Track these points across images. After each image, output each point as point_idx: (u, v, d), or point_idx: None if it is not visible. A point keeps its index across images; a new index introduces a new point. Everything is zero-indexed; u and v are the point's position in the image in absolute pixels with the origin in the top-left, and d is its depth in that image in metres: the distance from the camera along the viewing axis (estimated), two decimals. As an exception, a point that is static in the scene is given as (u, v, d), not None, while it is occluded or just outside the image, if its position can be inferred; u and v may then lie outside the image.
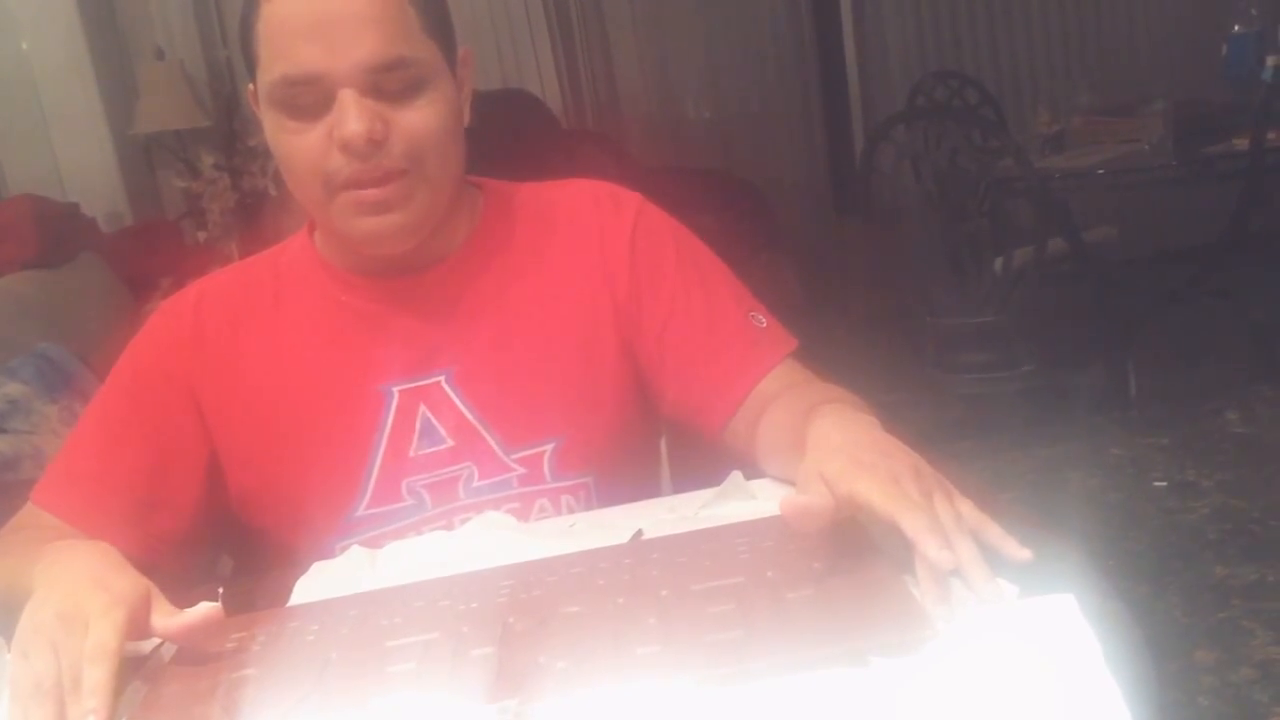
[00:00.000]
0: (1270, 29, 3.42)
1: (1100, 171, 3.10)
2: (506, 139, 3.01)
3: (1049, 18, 5.16)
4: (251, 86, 1.03)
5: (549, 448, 1.08)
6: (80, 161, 4.02)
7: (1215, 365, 3.13)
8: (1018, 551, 0.71)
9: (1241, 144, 2.90)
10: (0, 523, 1.07)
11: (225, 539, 1.16)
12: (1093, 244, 3.19)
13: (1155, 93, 3.26)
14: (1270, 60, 3.34)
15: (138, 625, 0.77)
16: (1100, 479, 1.03)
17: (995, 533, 0.73)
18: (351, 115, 0.95)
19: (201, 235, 3.99)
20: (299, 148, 0.98)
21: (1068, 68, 5.11)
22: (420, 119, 0.98)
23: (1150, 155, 3.05)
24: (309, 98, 0.96)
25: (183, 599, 0.82)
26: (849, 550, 0.76)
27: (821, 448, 0.82)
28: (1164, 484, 0.99)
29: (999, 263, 2.78)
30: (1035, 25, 5.16)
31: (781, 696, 0.63)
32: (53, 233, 3.48)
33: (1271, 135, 2.82)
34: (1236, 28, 3.43)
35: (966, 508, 0.75)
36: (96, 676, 0.72)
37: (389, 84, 0.97)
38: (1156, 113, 3.07)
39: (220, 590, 0.85)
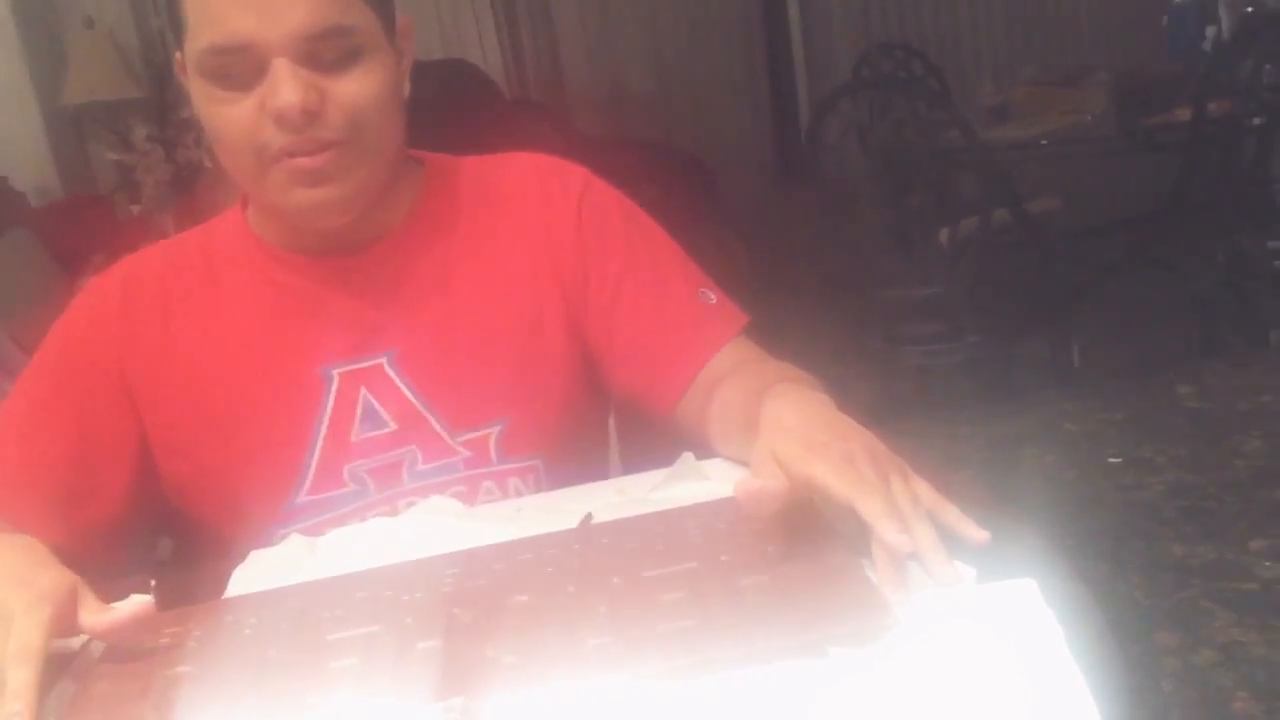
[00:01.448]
0: (1210, 1, 3.45)
1: (1044, 143, 3.12)
2: (447, 110, 2.95)
3: (993, -11, 5.18)
4: (179, 55, 0.98)
5: (495, 430, 1.05)
6: (8, 134, 3.91)
7: (1157, 336, 3.17)
8: (975, 533, 0.70)
9: (1183, 115, 2.93)
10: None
11: (163, 522, 1.12)
12: (1037, 215, 3.21)
13: (1097, 64, 3.28)
14: (1210, 31, 3.37)
15: (64, 622, 0.74)
16: (1055, 455, 1.02)
17: (953, 514, 0.72)
18: (285, 86, 0.91)
19: (135, 209, 3.90)
20: (230, 119, 0.94)
21: (1011, 40, 5.13)
22: (357, 89, 0.94)
23: (1093, 126, 3.07)
24: (240, 67, 0.92)
25: (115, 589, 0.78)
26: (804, 533, 0.75)
27: (775, 429, 0.80)
28: (1119, 460, 0.99)
29: (945, 234, 2.79)
30: (979, -4, 5.17)
31: (739, 689, 0.61)
32: (-21, 208, 3.39)
33: (1212, 106, 2.85)
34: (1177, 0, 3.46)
35: (923, 489, 0.73)
36: (21, 678, 0.68)
37: (324, 53, 0.93)
38: (1099, 84, 3.10)
39: (152, 582, 0.82)
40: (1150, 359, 2.86)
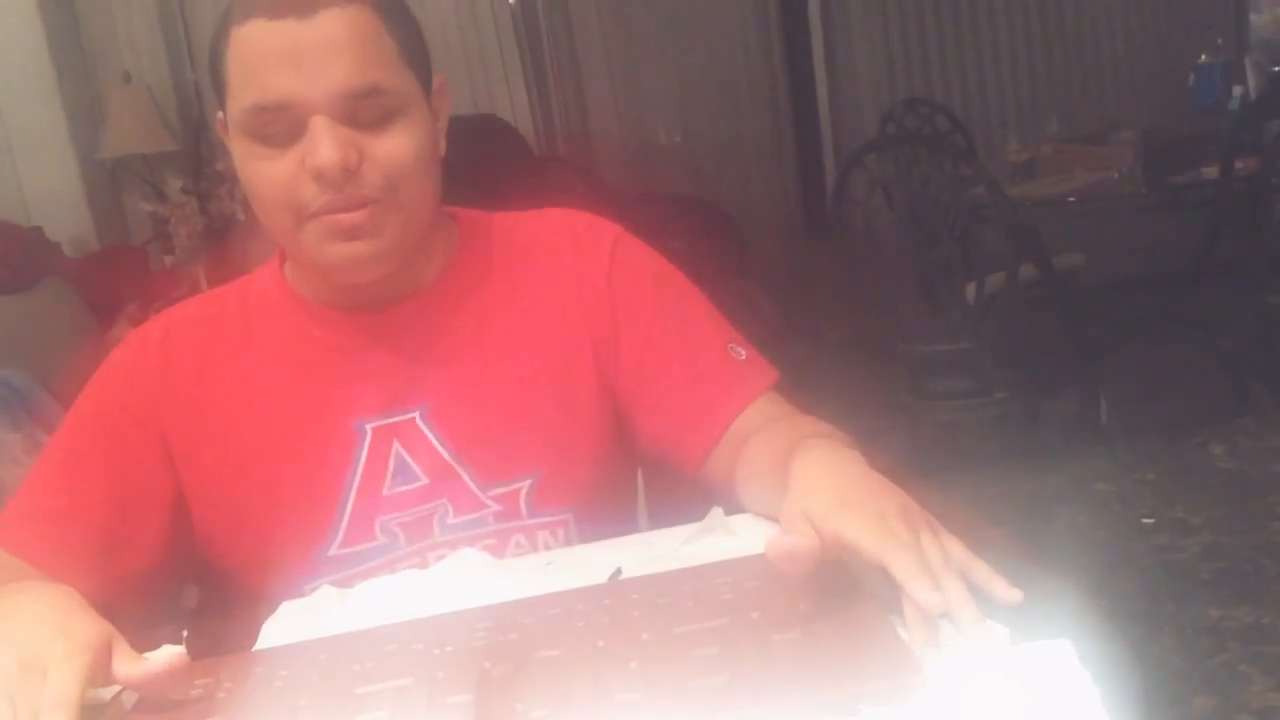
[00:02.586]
0: (1237, 59, 3.46)
1: (1070, 199, 3.12)
2: (477, 165, 2.99)
3: (1017, 46, 5.21)
4: (221, 114, 1.00)
5: (526, 484, 1.05)
6: (45, 185, 3.98)
7: (1185, 394, 3.15)
8: (1008, 592, 0.70)
9: (1210, 173, 2.93)
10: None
11: (191, 574, 1.12)
12: (1063, 271, 3.21)
13: (1124, 122, 3.29)
14: (1237, 90, 3.38)
15: (99, 672, 0.75)
16: (1087, 515, 1.01)
17: (985, 573, 0.71)
18: (325, 143, 0.93)
19: (168, 259, 3.95)
20: (270, 176, 0.96)
21: (1036, 96, 5.16)
22: (394, 148, 0.96)
23: (1120, 184, 3.07)
24: (280, 125, 0.94)
25: (146, 639, 0.79)
26: (835, 591, 0.75)
27: (805, 486, 0.80)
28: (1152, 521, 0.98)
29: (971, 289, 2.79)
30: (1004, 54, 5.21)
31: (770, 747, 0.61)
32: (16, 257, 3.44)
33: (1239, 165, 2.84)
34: (1203, 57, 3.48)
35: (955, 547, 0.73)
36: (55, 727, 0.69)
37: (363, 112, 0.95)
38: (1126, 142, 3.10)
39: (184, 633, 0.82)
40: (1179, 417, 2.84)
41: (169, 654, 0.76)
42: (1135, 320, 3.12)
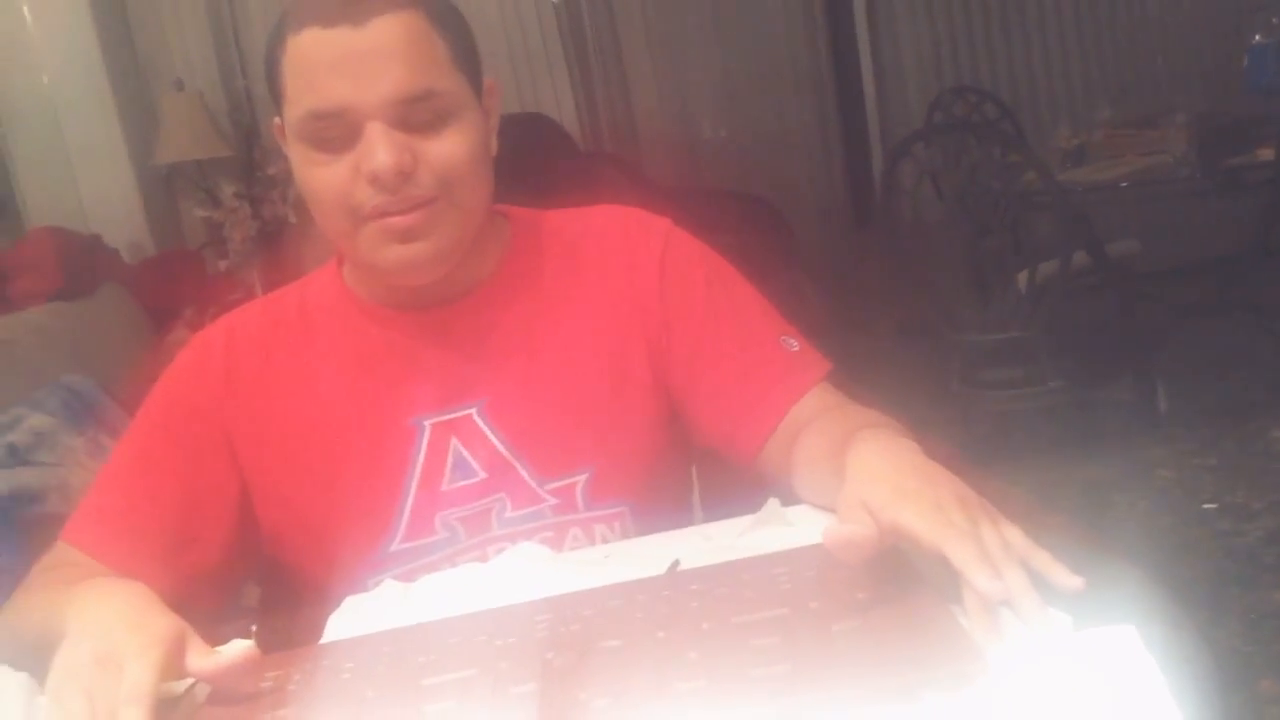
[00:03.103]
0: (1291, 39, 3.40)
1: (1123, 185, 3.08)
2: (525, 164, 3.00)
3: (1066, 31, 5.14)
4: (278, 120, 1.02)
5: (582, 478, 1.06)
6: (102, 193, 4.05)
7: (1244, 380, 3.10)
8: (1069, 579, 0.70)
9: (1266, 155, 2.88)
10: (28, 555, 1.06)
11: (254, 572, 1.15)
12: (1116, 257, 3.17)
13: (1176, 105, 3.24)
14: (1292, 70, 3.32)
15: (173, 666, 0.76)
16: (1148, 502, 1.01)
17: (1044, 560, 0.71)
18: (380, 148, 0.94)
19: (223, 264, 4.01)
20: (326, 180, 0.98)
21: (1086, 81, 5.08)
22: (448, 150, 0.98)
23: (1173, 168, 3.03)
24: (336, 131, 0.96)
25: (213, 635, 0.81)
26: (893, 580, 0.75)
27: (862, 475, 0.80)
28: (1214, 506, 0.97)
29: (1023, 278, 2.76)
30: (1052, 38, 5.14)
31: (833, 734, 0.61)
32: (75, 265, 3.50)
33: (1296, 145, 2.79)
34: (1257, 38, 3.42)
35: (1014, 535, 0.73)
36: (133, 718, 0.71)
37: (417, 116, 0.96)
38: (1178, 125, 3.05)
39: (253, 628, 0.84)
40: (1238, 403, 2.79)
41: (240, 647, 0.78)
42: (1192, 305, 3.08)
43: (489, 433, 1.06)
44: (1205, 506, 0.96)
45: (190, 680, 0.80)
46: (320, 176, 0.98)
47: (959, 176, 2.79)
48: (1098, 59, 5.14)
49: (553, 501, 1.06)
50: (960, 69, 5.09)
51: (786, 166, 5.09)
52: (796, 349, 1.11)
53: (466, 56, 1.01)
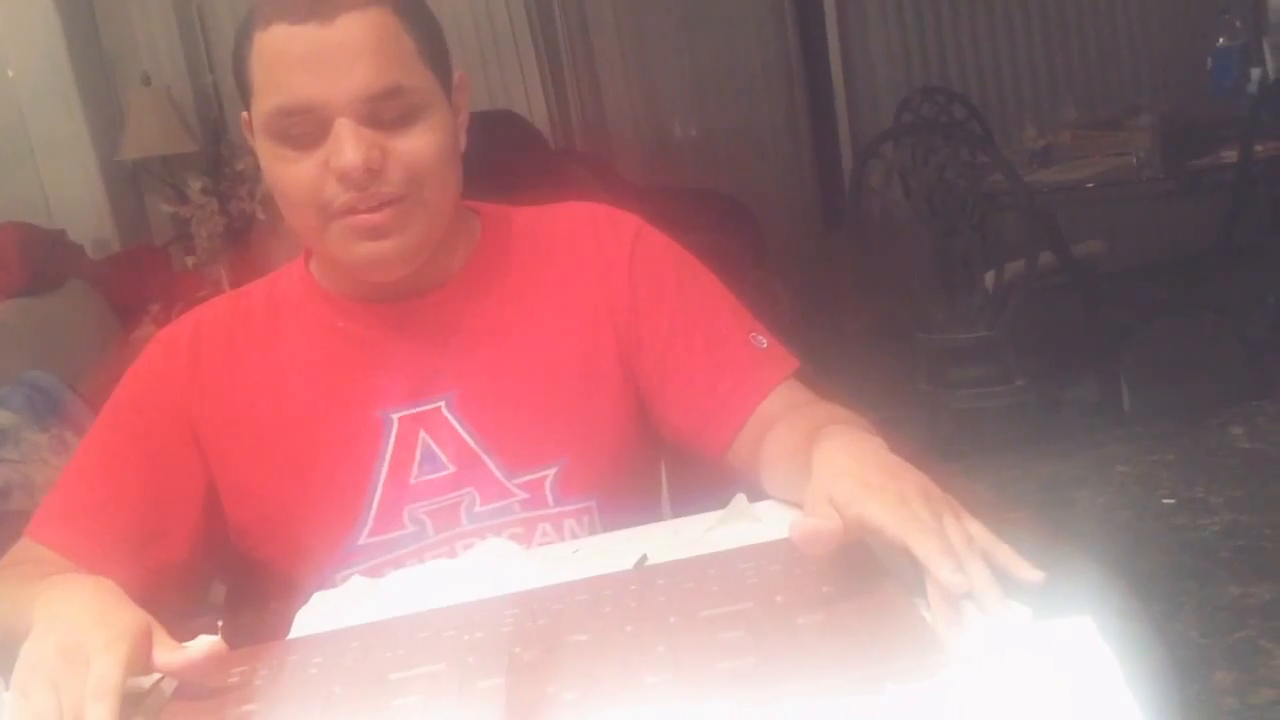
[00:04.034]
0: (1255, 42, 3.44)
1: (1089, 185, 3.11)
2: (495, 161, 3.00)
3: (1033, 33, 5.19)
4: (245, 115, 1.02)
5: (551, 472, 1.07)
6: (67, 188, 4.02)
7: (1207, 379, 3.13)
8: (1030, 573, 0.71)
9: (1229, 156, 2.91)
10: (-6, 553, 1.06)
11: (221, 568, 1.14)
12: (1082, 258, 3.20)
13: (1141, 107, 3.27)
14: (1255, 73, 3.36)
15: (139, 660, 0.76)
16: (1107, 497, 1.02)
17: (1006, 554, 0.72)
18: (348, 145, 0.94)
19: (190, 260, 3.98)
20: (295, 177, 0.97)
21: (1053, 82, 5.13)
22: (417, 146, 0.98)
23: (1138, 169, 3.06)
24: (304, 127, 0.96)
25: (180, 631, 0.81)
26: (858, 573, 0.76)
27: (829, 470, 0.81)
28: (1172, 501, 0.98)
29: (989, 277, 2.78)
30: (1020, 40, 5.18)
31: (797, 725, 0.62)
32: (40, 260, 3.47)
33: (1258, 148, 2.83)
34: (1221, 40, 3.46)
35: (977, 529, 0.74)
36: (99, 713, 0.70)
37: (385, 112, 0.96)
38: (1144, 127, 3.08)
39: (220, 623, 0.84)
40: (1201, 401, 2.82)
41: (207, 643, 0.78)
42: (1156, 305, 3.11)
43: (458, 426, 1.06)
44: (1164, 501, 0.98)
45: (157, 675, 0.80)
46: (288, 173, 0.98)
47: (927, 176, 2.81)
48: (1064, 61, 5.19)
49: (522, 496, 1.06)
50: (929, 69, 5.12)
51: (756, 166, 5.11)
52: (765, 346, 1.12)
53: (436, 53, 1.01)
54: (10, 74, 3.95)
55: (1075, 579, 0.71)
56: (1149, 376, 3.03)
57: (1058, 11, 5.17)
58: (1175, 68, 4.89)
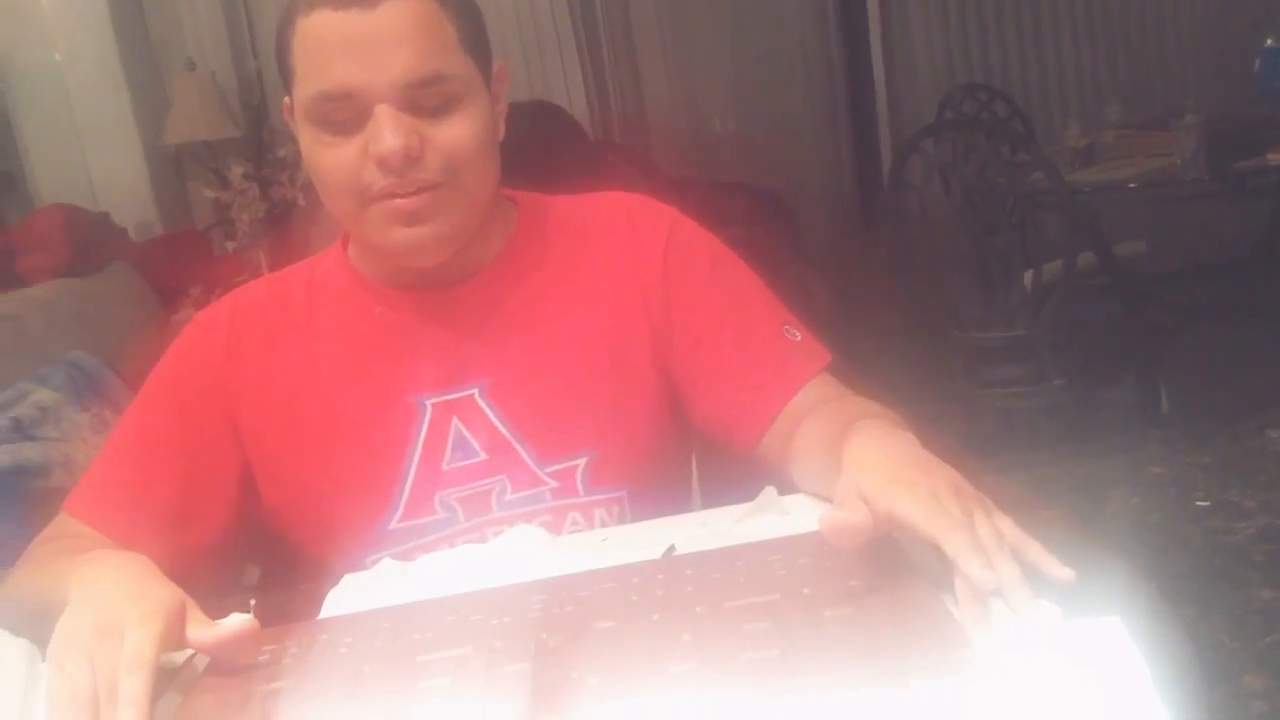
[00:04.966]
0: (1303, 43, 3.40)
1: (1131, 186, 3.08)
2: (534, 151, 3.01)
3: (1079, 31, 5.13)
4: (287, 100, 1.03)
5: (582, 462, 1.07)
6: (112, 171, 4.06)
7: (1249, 383, 3.10)
8: (1059, 571, 0.70)
9: (1275, 158, 2.88)
10: (31, 529, 1.07)
11: (254, 550, 1.16)
12: (1122, 258, 3.17)
13: (1187, 107, 3.23)
14: (1303, 74, 3.32)
15: (173, 636, 0.77)
16: (1141, 498, 1.01)
17: (1037, 551, 0.72)
18: (388, 131, 0.95)
19: (230, 245, 4.02)
20: (334, 162, 0.98)
21: (1097, 81, 5.08)
22: (456, 134, 0.98)
23: (1182, 170, 3.02)
24: (345, 113, 0.96)
25: (212, 610, 0.82)
26: (886, 568, 0.76)
27: (859, 464, 0.81)
28: (1206, 504, 0.97)
29: (1028, 276, 2.76)
30: (1065, 38, 5.13)
31: (820, 716, 0.62)
32: (84, 242, 3.51)
33: (1305, 150, 2.79)
34: (1269, 41, 3.41)
35: (1007, 526, 0.74)
36: (133, 687, 0.72)
37: (425, 99, 0.97)
38: (1188, 127, 3.05)
39: (252, 602, 0.84)
40: (1237, 404, 2.79)
41: (239, 620, 0.79)
42: (1197, 308, 3.07)
43: (490, 414, 1.07)
44: (1198, 503, 0.97)
45: (190, 651, 0.81)
46: (328, 158, 0.99)
47: (967, 174, 2.79)
48: (1109, 59, 5.13)
49: (552, 484, 1.07)
50: (971, 66, 5.08)
51: (795, 160, 5.08)
52: (798, 339, 1.12)
53: (476, 41, 1.02)
54: (58, 58, 4.00)
55: (1105, 580, 0.70)
56: (1188, 380, 2.99)
57: (1104, 10, 5.12)
58: (1222, 68, 4.82)
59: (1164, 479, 1.05)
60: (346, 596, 0.94)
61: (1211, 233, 3.20)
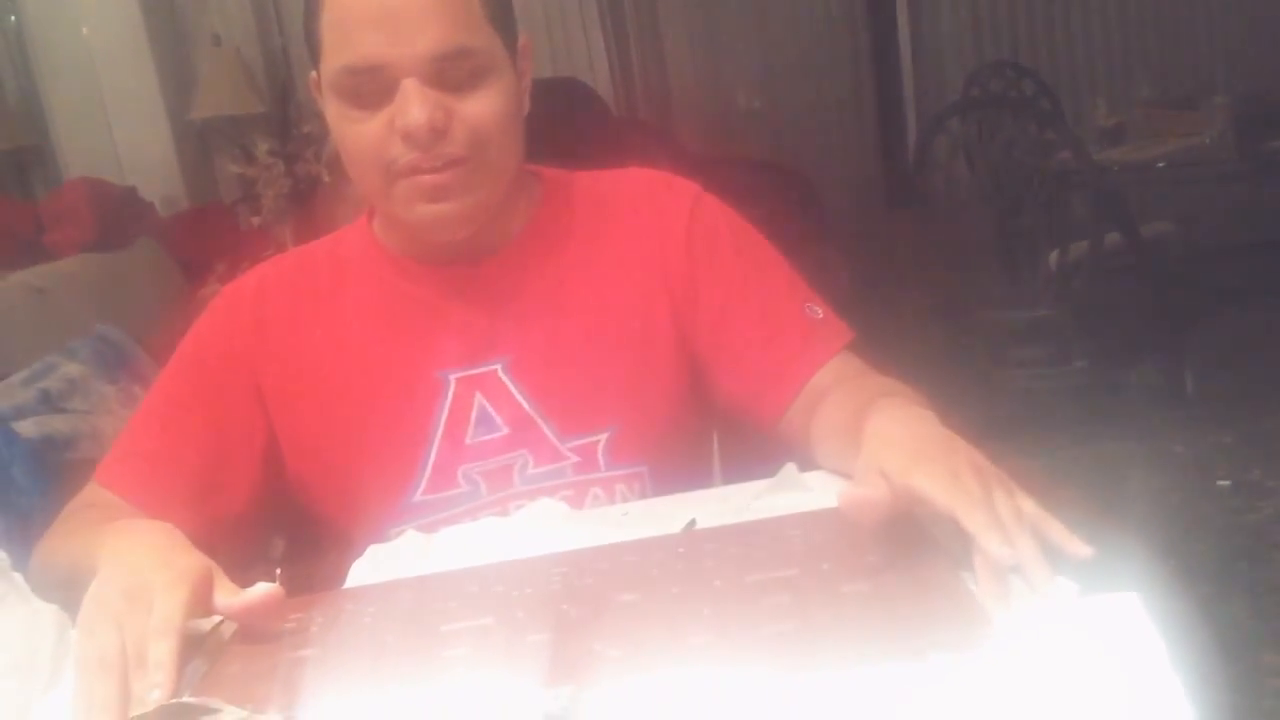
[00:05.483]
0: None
1: (1160, 165, 3.05)
2: (558, 127, 3.01)
3: (1108, 7, 5.07)
4: (314, 74, 1.04)
5: (604, 437, 1.08)
6: (138, 146, 4.08)
7: (1270, 364, 3.07)
8: (1079, 548, 0.70)
9: (1306, 139, 2.85)
10: (59, 498, 1.09)
11: (280, 522, 1.17)
12: (1150, 239, 3.15)
13: (1217, 86, 3.20)
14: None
15: (201, 602, 0.78)
16: (1162, 478, 1.02)
17: (1056, 529, 0.72)
18: (414, 105, 0.95)
19: (256, 220, 4.03)
20: (361, 135, 0.99)
21: (1127, 60, 5.02)
22: (482, 108, 0.99)
23: (1212, 150, 3.00)
24: (372, 87, 0.97)
25: (239, 580, 0.83)
26: (905, 544, 0.76)
27: (880, 441, 0.81)
28: (1227, 484, 0.97)
29: (1054, 256, 2.75)
30: (1094, 16, 5.07)
31: (837, 689, 0.62)
32: (111, 216, 3.54)
33: (1337, 130, 2.76)
34: (1302, 20, 3.36)
35: (1027, 503, 0.74)
36: (161, 652, 0.73)
37: (451, 73, 0.97)
38: (1219, 107, 3.02)
39: (278, 572, 0.86)
40: (1260, 385, 2.78)
41: (265, 588, 0.80)
42: (1224, 289, 3.05)
43: (513, 389, 1.08)
44: (1219, 483, 0.97)
45: (217, 618, 0.82)
46: (354, 132, 0.99)
47: (993, 153, 2.77)
48: (1139, 38, 5.07)
49: (574, 459, 1.08)
50: (999, 44, 5.04)
51: (820, 139, 5.06)
52: (820, 317, 1.12)
53: (502, 16, 1.02)
54: (85, 32, 4.02)
55: (1124, 557, 0.70)
56: (1214, 362, 2.97)
57: (1133, -13, 5.06)
58: (1253, 48, 4.76)
59: (1185, 459, 1.05)
60: (371, 567, 0.95)
61: (1240, 214, 3.17)
